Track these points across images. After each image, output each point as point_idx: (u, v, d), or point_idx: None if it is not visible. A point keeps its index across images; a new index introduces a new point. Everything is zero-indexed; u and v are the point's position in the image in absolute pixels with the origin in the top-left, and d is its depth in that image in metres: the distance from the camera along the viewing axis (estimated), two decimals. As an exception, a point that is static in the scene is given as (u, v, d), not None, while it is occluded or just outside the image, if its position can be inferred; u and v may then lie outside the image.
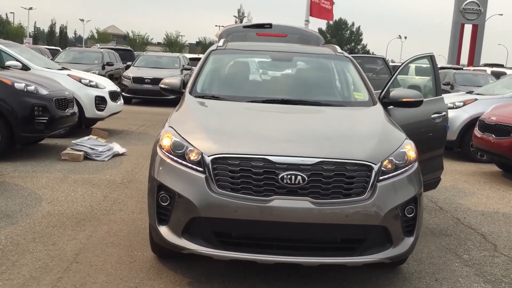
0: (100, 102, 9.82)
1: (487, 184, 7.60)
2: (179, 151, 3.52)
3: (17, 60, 9.35)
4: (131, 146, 8.85)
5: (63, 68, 10.66)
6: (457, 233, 5.14)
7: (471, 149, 9.22)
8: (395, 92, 4.69)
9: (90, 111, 9.67)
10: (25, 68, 9.29)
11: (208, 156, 3.38)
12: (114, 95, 10.35)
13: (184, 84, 4.79)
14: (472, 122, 9.17)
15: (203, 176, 3.36)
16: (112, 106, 10.17)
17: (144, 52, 24.18)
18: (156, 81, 15.54)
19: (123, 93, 14.40)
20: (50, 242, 4.29)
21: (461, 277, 4.03)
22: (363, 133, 3.87)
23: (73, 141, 7.91)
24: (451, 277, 4.02)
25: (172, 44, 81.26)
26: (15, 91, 7.19)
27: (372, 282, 3.81)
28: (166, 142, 3.62)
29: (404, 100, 4.60)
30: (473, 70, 20.59)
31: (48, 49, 24.93)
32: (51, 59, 14.57)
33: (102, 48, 21.13)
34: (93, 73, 12.82)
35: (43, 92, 7.46)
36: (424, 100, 4.71)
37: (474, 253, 4.61)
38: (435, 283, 3.87)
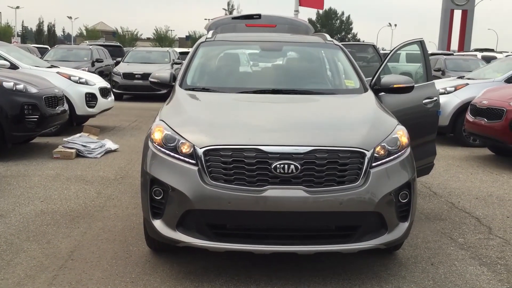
0: (90, 99, 9.77)
1: (480, 168, 7.63)
2: (171, 144, 3.50)
3: (5, 59, 9.26)
4: (123, 142, 8.81)
5: (52, 66, 10.58)
6: (452, 217, 5.16)
7: (463, 133, 9.25)
8: (386, 79, 4.67)
9: (81, 108, 9.61)
10: (14, 67, 9.22)
11: (200, 148, 3.37)
12: (104, 92, 10.29)
13: (174, 77, 4.76)
14: (464, 107, 9.19)
15: (195, 168, 3.34)
16: (103, 102, 10.12)
17: (134, 48, 24.01)
18: (146, 76, 15.46)
19: (113, 89, 14.33)
20: (45, 240, 4.27)
21: (457, 260, 4.05)
22: (355, 120, 3.86)
23: (64, 139, 7.86)
24: (447, 261, 4.03)
25: (161, 39, 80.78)
26: (4, 90, 7.12)
27: (369, 269, 3.82)
28: (158, 135, 3.60)
29: (395, 86, 4.58)
30: (464, 55, 20.62)
31: (37, 47, 24.66)
32: (40, 58, 14.44)
33: (91, 45, 20.94)
34: (82, 70, 12.73)
35: (33, 90, 7.40)
36: (415, 85, 4.70)
37: (469, 236, 4.63)
38: (431, 268, 3.89)
